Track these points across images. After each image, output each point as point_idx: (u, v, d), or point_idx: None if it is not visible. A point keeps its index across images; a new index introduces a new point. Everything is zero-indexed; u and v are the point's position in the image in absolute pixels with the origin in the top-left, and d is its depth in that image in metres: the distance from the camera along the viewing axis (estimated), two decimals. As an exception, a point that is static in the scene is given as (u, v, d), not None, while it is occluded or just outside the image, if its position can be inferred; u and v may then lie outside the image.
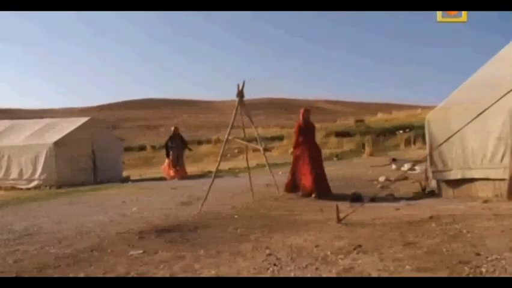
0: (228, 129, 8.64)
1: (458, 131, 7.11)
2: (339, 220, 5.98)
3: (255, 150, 12.14)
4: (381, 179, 11.54)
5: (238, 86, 8.39)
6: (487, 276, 3.48)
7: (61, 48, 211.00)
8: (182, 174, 16.01)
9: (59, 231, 6.77)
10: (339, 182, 10.69)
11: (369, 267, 3.86)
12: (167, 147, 16.70)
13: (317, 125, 18.93)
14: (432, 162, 9.39)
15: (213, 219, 7.06)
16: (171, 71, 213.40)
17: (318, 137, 22.44)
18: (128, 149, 32.10)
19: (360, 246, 4.59)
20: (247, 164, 10.06)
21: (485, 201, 7.78)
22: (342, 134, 28.59)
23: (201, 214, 7.56)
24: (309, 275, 3.77)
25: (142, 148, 37.94)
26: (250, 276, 3.92)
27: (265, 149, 9.87)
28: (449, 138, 7.42)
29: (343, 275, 3.71)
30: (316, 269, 3.93)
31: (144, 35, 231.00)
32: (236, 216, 7.21)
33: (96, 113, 60.44)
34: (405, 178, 11.53)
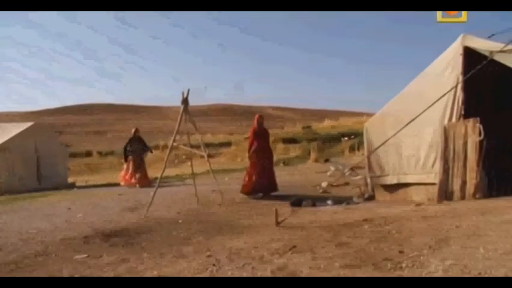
0: (173, 136, 8.85)
1: (390, 138, 7.63)
2: (277, 223, 6.30)
3: (202, 156, 12.37)
4: (324, 184, 11.97)
5: (183, 93, 8.61)
6: (406, 270, 3.84)
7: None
8: (143, 182, 13.97)
9: (1, 238, 6.73)
10: (284, 188, 11.03)
11: (301, 265, 4.17)
12: (125, 152, 14.54)
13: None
14: (370, 168, 9.94)
15: (157, 224, 7.23)
16: (119, 75, 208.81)
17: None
18: (73, 155, 31.64)
19: (295, 247, 4.90)
20: (192, 171, 10.28)
21: (418, 205, 8.26)
22: (289, 141, 29.10)
23: (146, 219, 7.71)
24: (245, 274, 4.03)
25: (88, 154, 37.40)
26: (190, 275, 4.14)
27: (210, 156, 10.11)
28: (382, 144, 7.94)
29: (277, 273, 3.99)
30: (253, 268, 4.20)
31: (92, 36, 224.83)
32: (180, 221, 7.41)
33: (37, 118, 58.67)
34: (347, 184, 12.06)
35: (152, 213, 8.20)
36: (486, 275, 3.52)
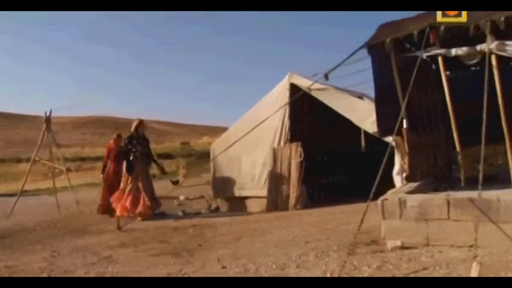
0: (35, 151, 9.83)
1: (216, 156, 9.38)
2: (119, 228, 7.65)
3: (77, 170, 13.22)
4: (181, 197, 13.33)
5: (45, 113, 9.62)
6: (194, 257, 5.35)
7: None
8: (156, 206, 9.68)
9: None
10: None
11: (121, 255, 5.60)
12: (128, 159, 8.95)
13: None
14: (216, 184, 11.53)
15: (17, 231, 8.20)
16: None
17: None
18: None
19: (124, 243, 6.30)
20: (53, 183, 11.19)
21: (249, 214, 9.94)
22: (164, 156, 30.00)
23: (7, 227, 8.61)
24: (77, 260, 5.36)
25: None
26: (33, 264, 5.35)
27: (68, 169, 10.83)
28: (211, 161, 9.73)
29: (102, 260, 5.36)
30: (84, 257, 5.55)
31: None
32: (38, 228, 8.42)
33: None
34: (202, 197, 13.52)
35: (15, 221, 9.08)
36: (244, 257, 5.10)
